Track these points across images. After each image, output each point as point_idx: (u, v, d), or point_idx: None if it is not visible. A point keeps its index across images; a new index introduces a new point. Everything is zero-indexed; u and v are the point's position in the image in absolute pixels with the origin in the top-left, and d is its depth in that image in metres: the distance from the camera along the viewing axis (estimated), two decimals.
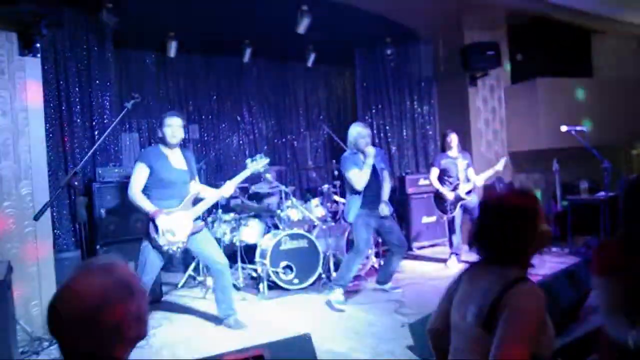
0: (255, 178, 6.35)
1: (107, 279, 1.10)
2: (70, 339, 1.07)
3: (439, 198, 5.62)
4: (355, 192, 4.50)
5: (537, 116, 6.48)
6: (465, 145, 6.73)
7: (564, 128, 5.13)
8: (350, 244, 5.49)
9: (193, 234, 3.73)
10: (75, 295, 1.07)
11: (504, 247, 1.58)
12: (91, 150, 3.70)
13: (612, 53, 7.50)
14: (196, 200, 3.85)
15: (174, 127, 3.67)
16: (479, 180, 5.52)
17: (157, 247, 3.62)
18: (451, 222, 5.63)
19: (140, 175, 3.62)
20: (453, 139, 5.63)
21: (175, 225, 3.61)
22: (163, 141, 3.71)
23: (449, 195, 5.52)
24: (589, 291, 3.25)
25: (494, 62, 6.39)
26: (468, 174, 5.60)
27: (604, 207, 5.48)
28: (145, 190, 3.65)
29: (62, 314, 1.06)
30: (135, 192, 3.61)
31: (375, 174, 4.54)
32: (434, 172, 5.64)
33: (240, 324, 3.96)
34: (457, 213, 5.54)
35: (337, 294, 4.47)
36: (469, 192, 5.50)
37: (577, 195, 6.18)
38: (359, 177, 4.42)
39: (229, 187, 3.86)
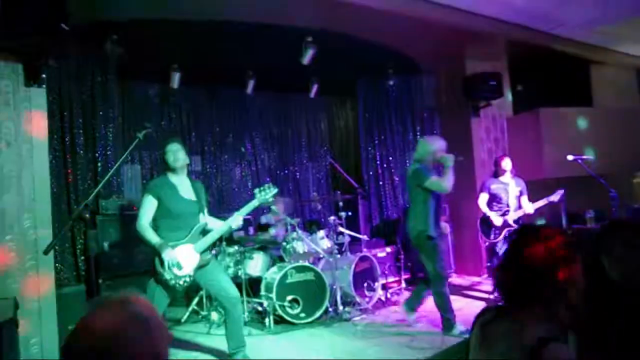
0: (260, 209, 6.29)
1: (123, 314, 1.05)
2: None
3: (484, 222, 5.44)
4: (426, 207, 4.31)
5: (540, 146, 6.49)
6: (469, 176, 6.74)
7: (570, 157, 5.11)
8: (357, 277, 5.39)
9: (201, 267, 3.62)
10: (88, 331, 1.02)
11: (529, 294, 1.36)
12: (101, 183, 3.59)
13: (610, 83, 7.61)
14: (204, 232, 3.75)
15: (174, 152, 3.63)
16: (531, 208, 5.23)
17: (162, 282, 3.50)
18: (492, 249, 5.46)
19: (148, 207, 3.56)
20: (507, 163, 5.41)
21: (181, 258, 3.52)
22: (169, 169, 3.67)
23: (497, 221, 5.31)
24: None
25: (496, 92, 6.43)
26: (521, 201, 5.35)
27: None
28: (154, 222, 3.58)
29: (73, 349, 1.01)
30: (143, 223, 3.54)
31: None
32: (483, 197, 5.46)
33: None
34: (501, 240, 5.32)
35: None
36: (517, 220, 5.29)
37: (582, 224, 6.12)
38: (443, 181, 4.24)
39: (238, 219, 3.75)
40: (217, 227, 3.79)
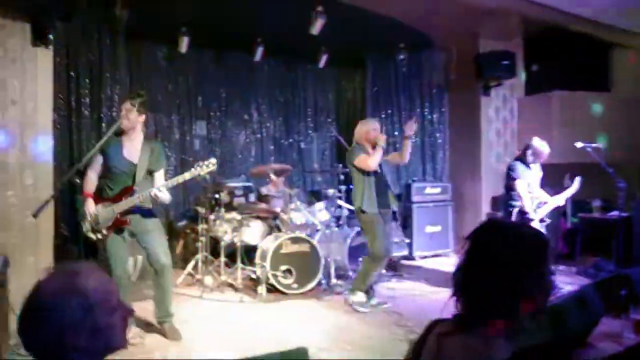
0: (262, 180, 6.33)
1: (65, 284, 1.08)
2: (24, 338, 1.09)
3: (520, 216, 4.77)
4: (361, 184, 4.50)
5: (550, 130, 6.34)
6: (475, 157, 6.66)
7: (579, 144, 4.98)
8: (352, 251, 5.44)
9: (118, 228, 3.60)
10: (32, 296, 1.08)
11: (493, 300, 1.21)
12: (95, 148, 3.57)
13: (632, 68, 7.33)
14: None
15: (123, 112, 3.59)
16: (560, 199, 4.85)
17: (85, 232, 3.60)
18: None
19: (94, 162, 3.66)
20: (547, 149, 4.83)
21: (101, 214, 3.55)
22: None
23: (536, 217, 4.75)
24: (599, 318, 3.18)
25: (509, 71, 6.26)
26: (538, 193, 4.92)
27: (617, 228, 5.35)
28: (104, 179, 3.66)
29: (21, 311, 1.09)
30: (87, 172, 3.64)
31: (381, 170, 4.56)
32: (523, 185, 4.74)
33: (176, 333, 3.74)
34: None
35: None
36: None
37: (588, 213, 6.03)
38: (367, 159, 4.43)
39: (158, 189, 3.54)
40: (142, 193, 3.57)
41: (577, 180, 4.87)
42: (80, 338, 1.05)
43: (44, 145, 4.22)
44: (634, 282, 3.59)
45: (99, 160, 3.63)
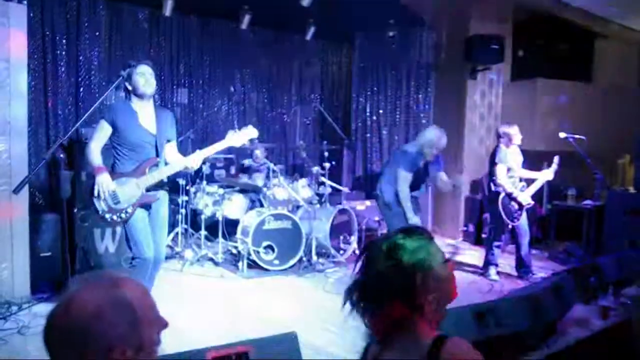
0: (244, 151, 6.21)
1: (106, 297, 1.00)
2: (56, 354, 0.99)
3: (506, 202, 4.78)
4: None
5: (533, 116, 6.43)
6: (458, 139, 6.69)
7: (562, 134, 5.05)
8: (334, 229, 5.45)
9: (142, 205, 3.20)
10: (68, 310, 0.98)
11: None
12: (77, 124, 3.29)
13: (613, 59, 7.44)
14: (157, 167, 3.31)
15: (146, 75, 3.18)
16: (547, 175, 4.91)
17: (97, 216, 3.17)
18: (516, 230, 4.89)
19: (99, 131, 3.18)
20: (517, 132, 4.85)
21: (120, 190, 3.12)
22: (135, 93, 3.20)
23: (526, 200, 4.77)
24: (572, 305, 3.30)
25: (497, 56, 6.27)
26: (525, 174, 4.98)
27: (589, 216, 5.52)
28: (114, 150, 3.23)
29: (53, 326, 0.99)
30: (91, 145, 3.16)
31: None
32: (503, 170, 4.74)
33: None
34: (524, 218, 4.89)
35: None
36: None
37: (562, 201, 6.20)
38: (406, 185, 4.35)
39: (196, 158, 3.28)
40: (174, 163, 3.33)
41: (556, 159, 4.94)
42: (126, 355, 0.98)
43: (18, 109, 4.00)
44: (603, 270, 3.73)
45: (105, 130, 3.16)
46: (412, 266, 1.23)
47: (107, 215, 3.14)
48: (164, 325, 1.10)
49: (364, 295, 1.28)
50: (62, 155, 2.99)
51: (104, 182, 3.07)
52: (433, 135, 4.43)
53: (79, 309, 0.98)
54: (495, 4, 6.21)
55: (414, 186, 4.43)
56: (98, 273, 1.10)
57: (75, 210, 4.46)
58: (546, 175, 4.92)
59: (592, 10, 6.51)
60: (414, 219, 4.31)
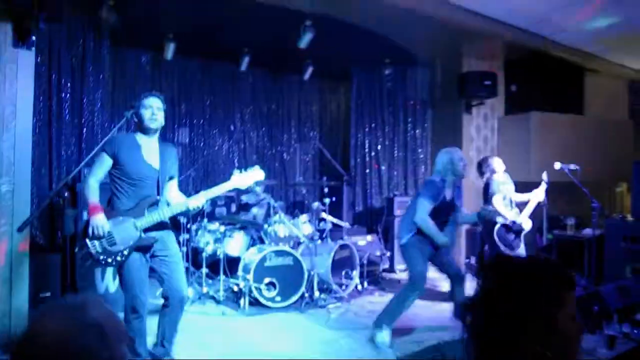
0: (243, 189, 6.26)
1: (75, 320, 0.98)
2: None
3: (502, 232, 4.81)
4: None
5: (528, 148, 6.53)
6: None
7: (557, 165, 5.13)
8: (335, 265, 5.44)
9: (140, 248, 3.04)
10: (38, 337, 0.96)
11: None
12: (82, 163, 3.21)
13: (602, 93, 7.66)
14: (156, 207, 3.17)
15: (153, 109, 3.09)
16: (539, 195, 4.90)
17: (86, 256, 2.98)
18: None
19: (98, 165, 3.04)
20: (500, 163, 4.99)
21: (115, 230, 2.95)
22: (140, 127, 3.12)
23: (527, 225, 4.80)
24: None
25: (490, 91, 6.44)
26: (518, 197, 4.99)
27: (590, 245, 5.53)
28: (114, 185, 3.08)
29: (22, 356, 0.96)
30: (89, 181, 3.02)
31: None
32: (500, 199, 4.80)
33: None
34: (522, 248, 4.88)
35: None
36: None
37: (562, 230, 6.22)
38: (424, 212, 3.88)
39: (199, 198, 3.13)
40: (175, 203, 3.19)
41: (545, 174, 5.01)
42: None
43: (22, 152, 4.08)
44: (605, 298, 3.72)
45: (106, 163, 3.03)
46: None
47: (102, 257, 2.96)
48: (129, 339, 1.10)
49: None
50: (66, 194, 2.94)
51: (99, 223, 2.91)
52: (449, 156, 3.99)
53: (50, 336, 0.95)
54: (486, 43, 6.42)
55: (438, 219, 3.96)
56: (64, 298, 1.10)
57: (77, 250, 4.48)
58: (538, 194, 4.93)
59: (581, 47, 6.73)
60: (443, 239, 3.88)
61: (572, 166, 5.16)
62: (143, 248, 3.06)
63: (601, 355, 3.29)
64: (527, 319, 1.07)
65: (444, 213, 4.00)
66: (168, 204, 3.20)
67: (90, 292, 2.73)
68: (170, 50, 6.15)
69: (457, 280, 4.14)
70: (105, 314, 1.04)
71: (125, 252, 2.98)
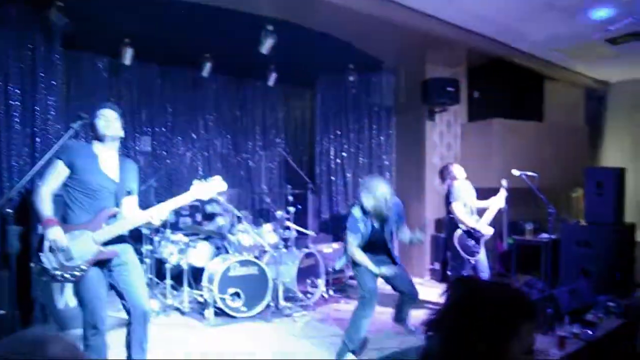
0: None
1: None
2: None
3: (463, 238, 4.82)
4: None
5: (490, 155, 6.65)
6: (419, 179, 6.84)
7: (515, 172, 5.23)
8: (301, 273, 5.39)
9: (98, 262, 2.90)
10: None
11: None
12: (29, 174, 2.90)
13: (560, 100, 7.91)
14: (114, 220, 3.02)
15: (107, 118, 2.96)
16: (499, 202, 4.95)
17: (42, 272, 2.81)
18: (477, 265, 4.83)
19: (53, 173, 2.87)
20: (460, 170, 5.03)
21: (72, 244, 2.80)
22: (96, 136, 2.98)
23: (488, 230, 4.80)
24: None
25: (453, 98, 6.53)
26: (478, 204, 4.99)
27: (546, 250, 5.67)
28: (68, 196, 2.91)
29: None
30: (41, 190, 2.83)
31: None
32: (460, 206, 4.82)
33: None
34: (483, 254, 4.88)
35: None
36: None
37: (521, 235, 6.37)
38: (354, 247, 3.78)
39: (158, 213, 2.96)
40: (133, 217, 3.01)
41: (504, 181, 5.10)
42: None
43: None
44: (559, 301, 3.82)
45: (62, 172, 2.87)
46: None
47: (58, 273, 2.80)
48: None
49: None
50: (9, 210, 2.73)
51: (54, 237, 2.75)
52: (366, 187, 3.81)
53: None
54: (449, 50, 6.52)
55: (374, 245, 3.88)
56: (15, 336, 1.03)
57: (33, 265, 4.27)
58: (497, 201, 5.01)
59: (538, 54, 6.93)
60: (381, 271, 3.75)
61: (530, 173, 5.27)
62: (101, 262, 2.93)
63: (552, 355, 3.37)
64: (477, 342, 1.06)
65: (378, 239, 3.87)
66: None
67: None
68: (128, 56, 5.96)
69: (408, 300, 4.08)
70: (70, 349, 1.00)
71: (83, 267, 2.84)
